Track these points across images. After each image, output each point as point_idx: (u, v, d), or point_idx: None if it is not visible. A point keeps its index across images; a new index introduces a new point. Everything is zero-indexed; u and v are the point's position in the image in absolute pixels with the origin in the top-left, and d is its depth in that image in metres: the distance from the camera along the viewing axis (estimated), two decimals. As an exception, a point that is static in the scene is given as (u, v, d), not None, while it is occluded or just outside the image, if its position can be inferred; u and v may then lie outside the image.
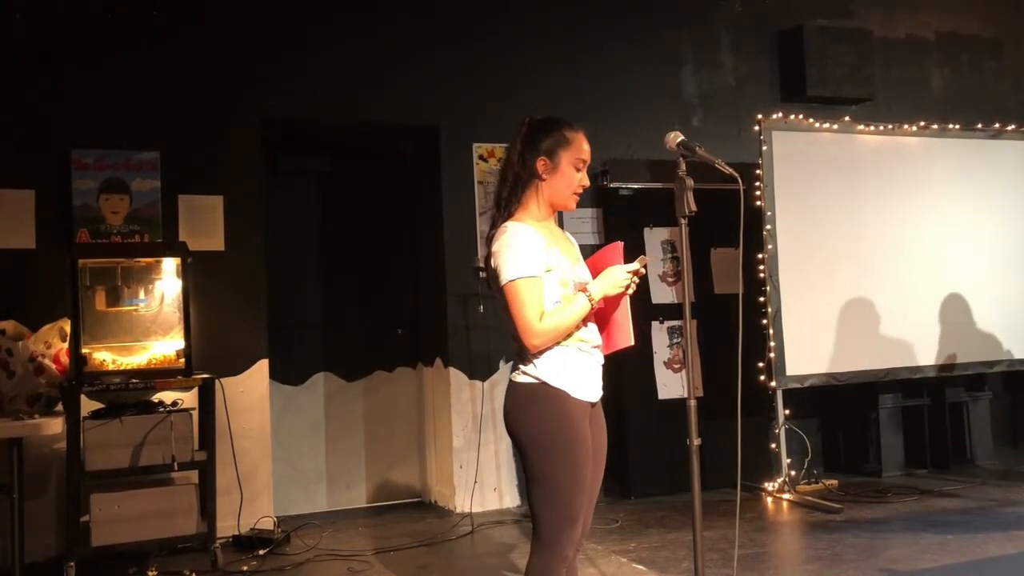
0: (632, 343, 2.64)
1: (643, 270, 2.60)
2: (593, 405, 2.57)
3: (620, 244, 2.66)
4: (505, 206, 2.57)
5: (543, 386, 2.46)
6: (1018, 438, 7.09)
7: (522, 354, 2.49)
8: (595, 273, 2.61)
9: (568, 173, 2.59)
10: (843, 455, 6.38)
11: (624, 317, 2.62)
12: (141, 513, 4.27)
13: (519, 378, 2.50)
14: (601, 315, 2.59)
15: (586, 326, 2.54)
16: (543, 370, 2.46)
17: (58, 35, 4.90)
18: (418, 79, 5.62)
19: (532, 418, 2.45)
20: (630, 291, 2.59)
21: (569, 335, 2.48)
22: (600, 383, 2.58)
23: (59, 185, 4.84)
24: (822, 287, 5.80)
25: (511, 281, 2.43)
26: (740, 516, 5.01)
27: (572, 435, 2.45)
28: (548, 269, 2.48)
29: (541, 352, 2.46)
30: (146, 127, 5.03)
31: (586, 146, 2.63)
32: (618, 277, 2.53)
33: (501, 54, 5.84)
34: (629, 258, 2.62)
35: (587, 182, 2.65)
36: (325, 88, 5.43)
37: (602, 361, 2.60)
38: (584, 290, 2.50)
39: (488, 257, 2.56)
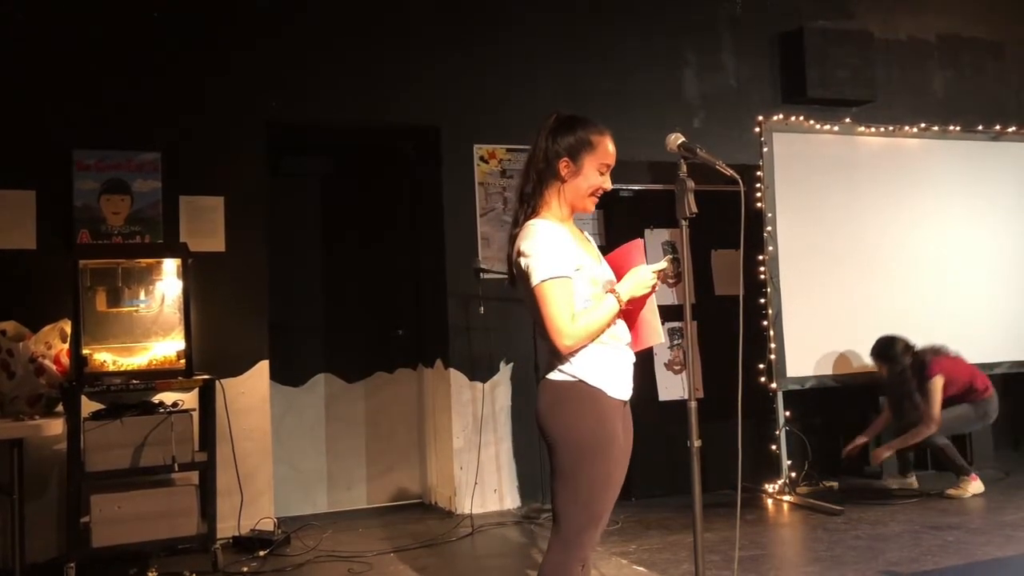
0: (662, 340, 2.63)
1: (669, 268, 2.59)
2: (624, 404, 2.55)
3: (641, 241, 2.65)
4: (528, 202, 2.54)
5: (580, 384, 2.43)
6: (1019, 440, 7.07)
7: (556, 352, 2.45)
8: (615, 270, 2.60)
9: (590, 177, 2.55)
10: (843, 457, 6.37)
11: (652, 315, 2.61)
12: (141, 514, 4.27)
13: (555, 376, 2.46)
14: (629, 314, 2.57)
15: (616, 325, 2.52)
16: (580, 368, 2.44)
17: (60, 36, 4.90)
18: (419, 81, 5.62)
19: (567, 416, 2.43)
20: (655, 290, 2.58)
21: (601, 334, 2.46)
22: (631, 382, 2.57)
23: (60, 186, 4.84)
24: (823, 289, 5.80)
25: (544, 281, 2.39)
26: (741, 518, 5.00)
27: (605, 434, 2.44)
28: (578, 268, 2.46)
29: (577, 350, 2.43)
30: (147, 128, 5.03)
31: (611, 149, 2.57)
32: (644, 277, 2.50)
33: (502, 55, 5.84)
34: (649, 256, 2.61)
35: (608, 185, 2.60)
36: (326, 90, 5.43)
37: (634, 359, 2.59)
38: (612, 291, 2.48)
39: (512, 255, 2.52)
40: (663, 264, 2.57)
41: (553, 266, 2.40)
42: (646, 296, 2.55)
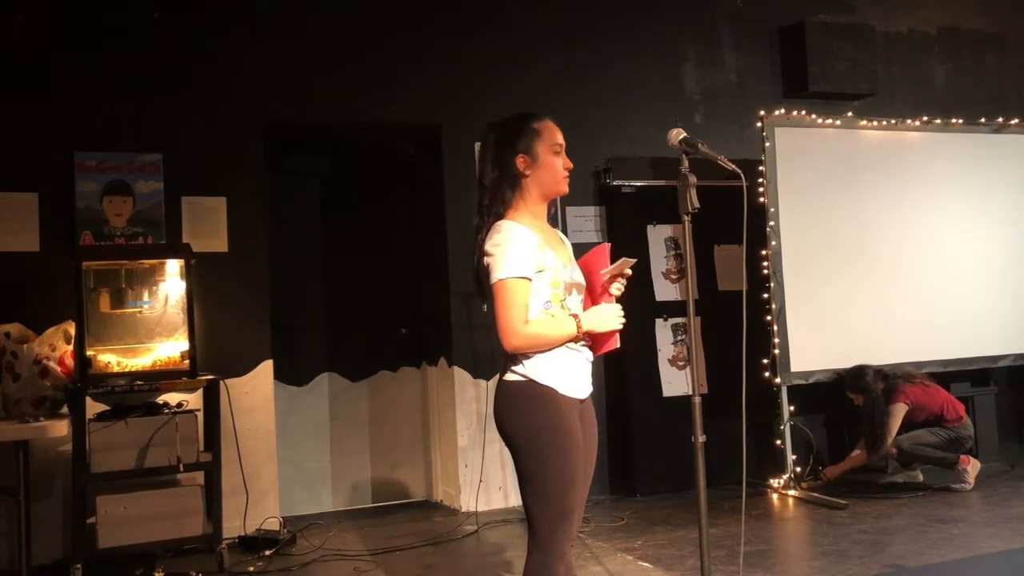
0: (618, 346, 2.61)
1: (629, 271, 2.59)
2: (582, 401, 2.56)
3: (607, 246, 2.65)
4: (488, 213, 2.55)
5: (531, 384, 2.45)
6: (1023, 433, 7.07)
7: (509, 354, 2.49)
8: (585, 274, 2.61)
9: (549, 162, 2.57)
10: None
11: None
12: (147, 515, 4.27)
13: (509, 377, 2.50)
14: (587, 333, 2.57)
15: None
16: (531, 368, 2.46)
17: (60, 37, 4.90)
18: (419, 79, 5.62)
19: (521, 416, 2.46)
20: (618, 293, 2.59)
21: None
22: (589, 380, 2.58)
23: (62, 188, 4.84)
24: (826, 283, 5.80)
25: (501, 280, 2.42)
26: (746, 513, 5.02)
27: (562, 432, 2.44)
28: (540, 270, 2.47)
29: (531, 353, 2.46)
30: (148, 129, 5.03)
31: (557, 131, 2.61)
32: (610, 316, 2.52)
33: (503, 53, 5.83)
34: (616, 259, 2.61)
35: (570, 164, 2.63)
36: (327, 89, 5.42)
37: (591, 359, 2.59)
38: (575, 316, 2.48)
39: (479, 256, 2.54)
40: (619, 283, 2.57)
41: (513, 266, 2.42)
42: (607, 334, 2.53)
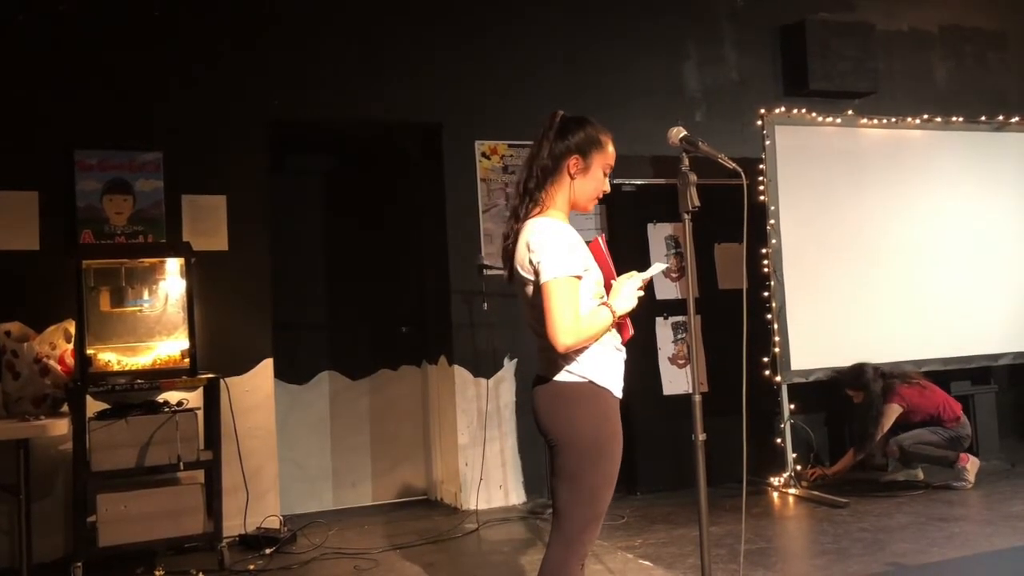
0: (632, 333, 2.62)
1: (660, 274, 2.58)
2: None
3: (597, 239, 2.60)
4: (531, 197, 2.52)
5: (590, 385, 2.43)
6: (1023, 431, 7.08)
7: (563, 353, 2.43)
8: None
9: (597, 176, 2.56)
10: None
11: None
12: (147, 513, 4.28)
13: (563, 377, 2.45)
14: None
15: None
16: (589, 369, 2.44)
17: (60, 35, 4.90)
18: (420, 77, 5.62)
19: (576, 417, 2.43)
20: (639, 294, 2.58)
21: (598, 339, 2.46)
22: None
23: (63, 186, 4.84)
24: (826, 281, 5.80)
25: (554, 279, 2.37)
26: (746, 511, 5.02)
27: (611, 434, 2.44)
28: (586, 269, 2.45)
29: (582, 351, 2.43)
30: (149, 127, 5.03)
31: (613, 151, 2.59)
32: (633, 292, 2.50)
33: (503, 51, 5.84)
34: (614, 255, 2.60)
35: (608, 187, 2.61)
36: (327, 87, 5.42)
37: (625, 358, 2.59)
38: (607, 304, 2.47)
39: (511, 249, 2.51)
40: (661, 266, 2.57)
41: (565, 265, 2.39)
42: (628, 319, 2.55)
